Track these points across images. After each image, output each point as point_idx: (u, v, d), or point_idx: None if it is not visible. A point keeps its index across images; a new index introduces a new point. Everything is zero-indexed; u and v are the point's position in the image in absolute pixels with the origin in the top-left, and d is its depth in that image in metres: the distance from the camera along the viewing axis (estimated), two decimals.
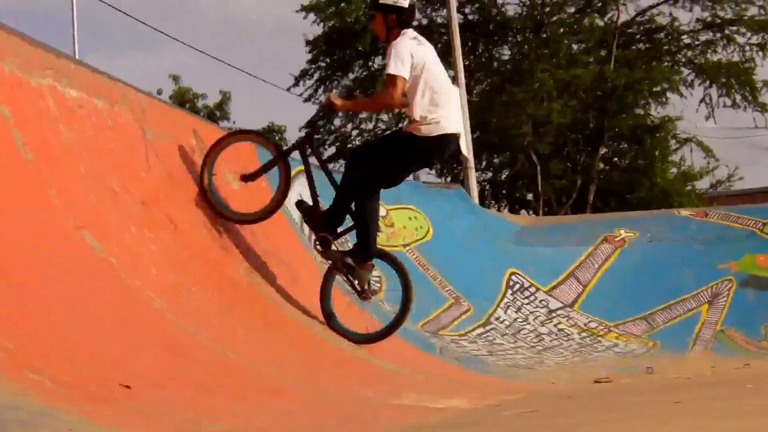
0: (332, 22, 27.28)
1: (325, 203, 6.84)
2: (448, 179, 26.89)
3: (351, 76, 28.28)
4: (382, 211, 10.13)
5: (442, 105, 6.29)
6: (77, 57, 10.92)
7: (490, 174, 28.94)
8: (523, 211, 28.00)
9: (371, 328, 7.02)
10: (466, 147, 17.10)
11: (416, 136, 6.26)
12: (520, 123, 24.97)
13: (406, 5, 6.34)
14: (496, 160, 28.62)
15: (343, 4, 26.93)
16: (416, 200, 11.80)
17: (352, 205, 6.51)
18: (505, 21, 27.38)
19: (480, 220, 13.19)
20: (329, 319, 6.75)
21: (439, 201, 12.47)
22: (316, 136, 7.13)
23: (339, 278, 6.96)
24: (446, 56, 21.89)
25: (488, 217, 14.34)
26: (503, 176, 29.03)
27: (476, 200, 17.19)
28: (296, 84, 27.80)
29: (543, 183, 26.15)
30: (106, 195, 5.56)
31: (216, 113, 31.27)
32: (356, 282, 6.69)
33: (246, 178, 7.06)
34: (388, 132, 6.87)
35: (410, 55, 6.15)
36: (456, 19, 19.90)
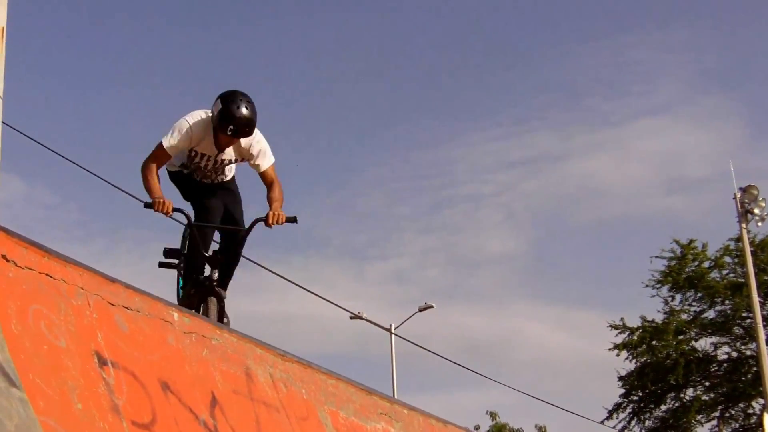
0: (644, 358, 27.79)
1: None
2: None
3: (663, 407, 28.38)
4: None
5: None
6: (395, 395, 11.13)
7: None
8: None
9: None
10: None
11: None
12: None
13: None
14: None
15: (654, 342, 27.45)
16: None
17: None
18: None
19: None
20: None
21: None
22: None
23: None
24: (757, 386, 22.96)
25: None
26: None
27: None
28: (609, 417, 28.22)
29: None
30: None
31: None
32: None
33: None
34: None
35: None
36: (765, 351, 20.15)
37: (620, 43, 51.82)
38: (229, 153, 5.84)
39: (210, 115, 5.71)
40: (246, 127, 5.61)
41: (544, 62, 52.80)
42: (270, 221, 5.72)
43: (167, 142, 5.71)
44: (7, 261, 3.31)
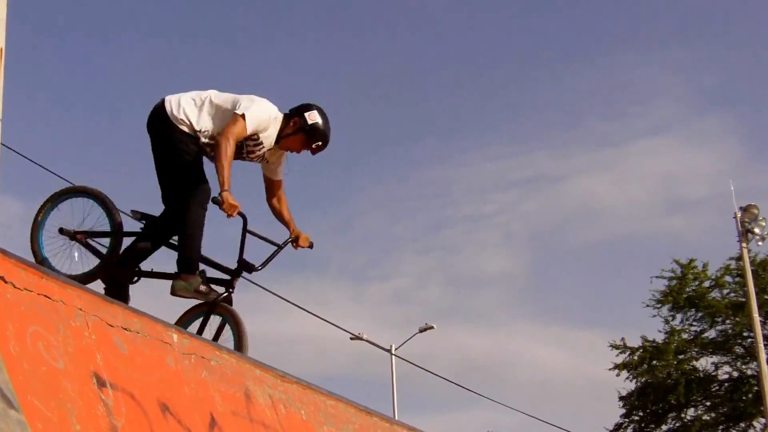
0: (645, 378, 27.90)
1: None
2: None
3: (664, 427, 28.51)
4: None
5: None
6: (396, 415, 11.23)
7: None
8: None
9: None
10: None
11: None
12: None
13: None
14: None
15: (654, 362, 27.55)
16: None
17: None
18: None
19: None
20: None
21: None
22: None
23: None
24: (757, 405, 23.53)
25: None
26: None
27: None
28: None
29: None
30: None
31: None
32: None
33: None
34: None
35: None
36: (767, 370, 20.57)
37: (619, 62, 52.09)
38: (273, 153, 5.72)
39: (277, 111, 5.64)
40: (323, 149, 5.68)
41: (542, 82, 53.05)
42: (302, 244, 5.81)
43: (250, 124, 5.44)
44: (6, 282, 3.30)
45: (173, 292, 5.29)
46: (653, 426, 28.24)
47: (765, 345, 21.99)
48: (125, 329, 3.83)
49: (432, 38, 55.62)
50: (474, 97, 56.72)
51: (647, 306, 27.95)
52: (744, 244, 21.03)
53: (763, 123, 49.75)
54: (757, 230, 20.82)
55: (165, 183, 5.54)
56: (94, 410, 3.33)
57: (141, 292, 5.57)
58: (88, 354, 3.53)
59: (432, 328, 29.68)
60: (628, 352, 27.60)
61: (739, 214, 20.92)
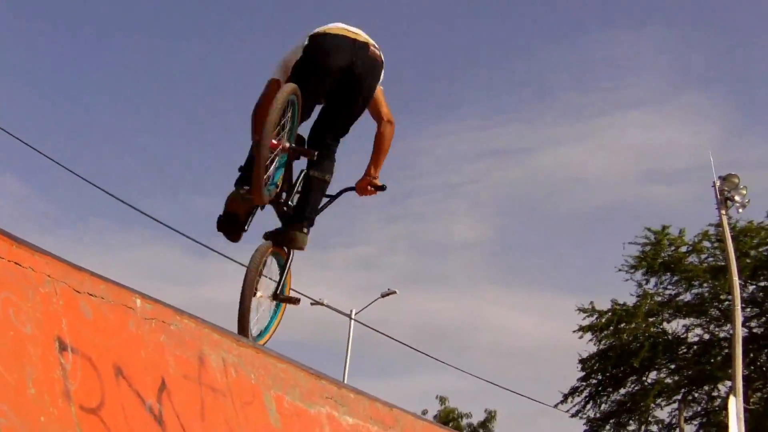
0: (609, 341, 28.11)
1: None
2: None
3: (622, 391, 28.79)
4: None
5: None
6: (346, 379, 11.43)
7: None
8: None
9: None
10: None
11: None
12: None
13: None
14: None
15: (622, 325, 27.74)
16: None
17: None
18: None
19: None
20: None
21: None
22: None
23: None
24: (725, 368, 24.08)
25: None
26: None
27: None
28: (564, 401, 28.84)
29: None
30: None
31: (479, 431, 32.72)
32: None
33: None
34: None
35: None
36: (740, 333, 20.66)
37: (602, 38, 51.40)
38: None
39: None
40: None
41: (519, 57, 52.33)
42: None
43: None
44: None
45: None
46: (611, 390, 28.68)
47: (742, 308, 22.47)
48: (91, 295, 4.14)
49: (404, 14, 54.84)
50: (450, 71, 56.15)
51: (619, 270, 28.36)
52: (723, 211, 21.19)
53: (744, 99, 49.51)
54: (737, 198, 21.01)
55: (345, 126, 6.05)
56: (52, 374, 3.66)
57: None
58: (55, 319, 3.85)
59: (394, 293, 29.95)
60: (595, 316, 27.92)
61: (718, 183, 21.08)
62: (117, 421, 3.93)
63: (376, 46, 5.89)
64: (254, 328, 6.19)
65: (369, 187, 6.25)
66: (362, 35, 5.82)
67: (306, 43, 5.78)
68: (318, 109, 6.05)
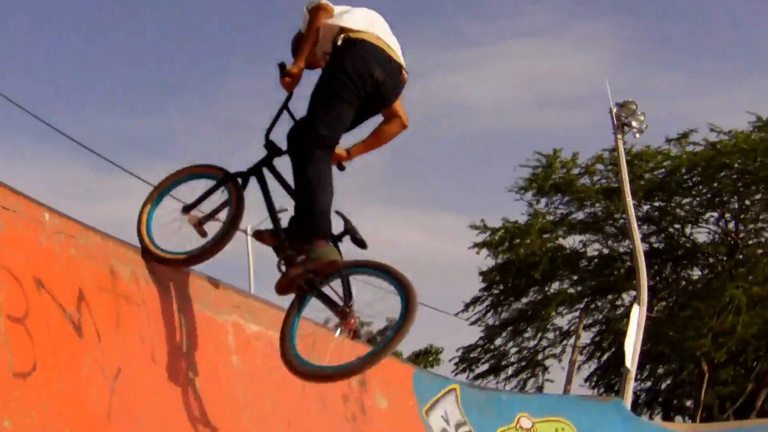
0: (506, 256, 28.23)
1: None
2: (602, 391, 27.72)
3: (524, 300, 28.95)
4: (526, 423, 10.32)
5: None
6: (252, 290, 11.17)
7: (649, 384, 28.93)
8: (678, 418, 27.84)
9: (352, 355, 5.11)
10: (630, 359, 17.78)
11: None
12: (700, 335, 24.60)
13: None
14: (660, 370, 28.39)
15: (517, 240, 27.84)
16: (569, 414, 11.88)
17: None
18: (695, 247, 27.99)
19: (634, 429, 13.40)
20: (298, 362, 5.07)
21: (593, 413, 12.59)
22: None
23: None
24: (630, 279, 23.83)
25: (644, 426, 14.59)
26: (663, 385, 28.98)
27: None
28: (465, 310, 28.86)
29: (708, 389, 25.80)
30: (258, 416, 6.05)
31: (377, 338, 32.04)
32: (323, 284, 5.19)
33: (187, 208, 5.62)
34: None
35: None
36: (641, 247, 20.70)
37: None
38: None
39: None
40: None
41: None
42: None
43: None
44: None
45: None
46: (513, 299, 29.15)
47: (639, 225, 23.38)
48: (5, 208, 4.28)
49: None
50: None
51: (510, 191, 28.33)
52: (619, 136, 21.47)
53: (639, 28, 50.92)
54: (635, 123, 21.24)
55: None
56: None
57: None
58: None
59: (285, 210, 29.93)
60: (488, 233, 28.01)
61: (615, 109, 21.56)
62: (40, 329, 4.18)
63: (407, 69, 5.51)
64: None
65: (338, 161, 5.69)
66: (397, 53, 5.44)
67: (339, 44, 5.31)
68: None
